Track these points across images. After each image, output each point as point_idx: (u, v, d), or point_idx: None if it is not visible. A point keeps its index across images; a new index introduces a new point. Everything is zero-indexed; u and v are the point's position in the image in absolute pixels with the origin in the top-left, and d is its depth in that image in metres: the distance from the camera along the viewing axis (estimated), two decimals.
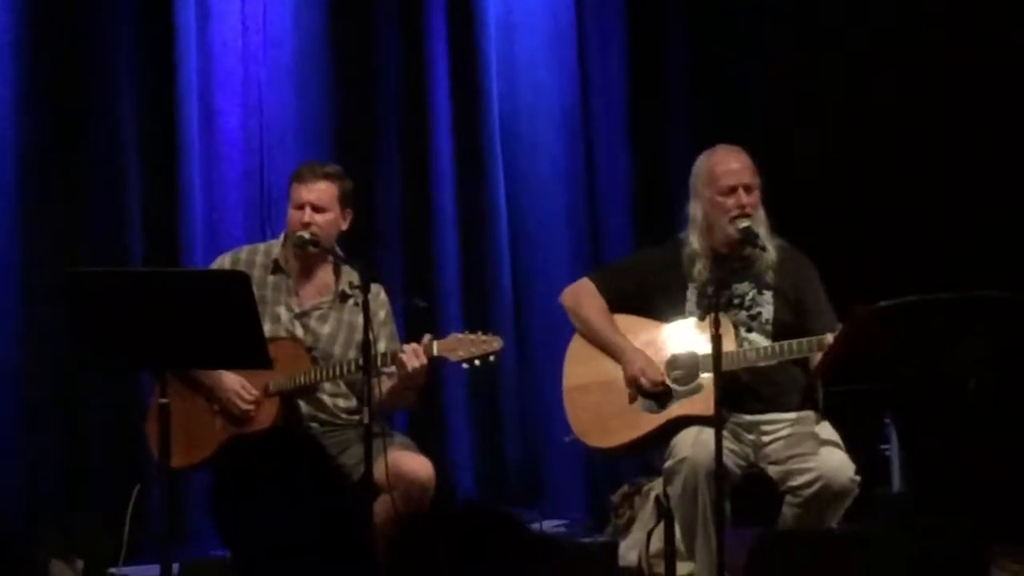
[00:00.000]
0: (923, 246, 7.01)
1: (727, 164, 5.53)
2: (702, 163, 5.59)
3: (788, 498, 5.39)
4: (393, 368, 5.45)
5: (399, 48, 7.12)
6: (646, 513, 6.31)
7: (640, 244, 6.83)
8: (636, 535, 6.35)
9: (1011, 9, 7.06)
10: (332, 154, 6.77)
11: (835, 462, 5.35)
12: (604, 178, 7.39)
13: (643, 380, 5.50)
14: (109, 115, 6.72)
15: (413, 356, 5.40)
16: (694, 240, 5.56)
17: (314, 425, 5.64)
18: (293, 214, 5.67)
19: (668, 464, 5.39)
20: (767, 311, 5.53)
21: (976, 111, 7.15)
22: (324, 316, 5.71)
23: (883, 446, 6.72)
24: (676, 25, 7.45)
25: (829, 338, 5.17)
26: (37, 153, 6.63)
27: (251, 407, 5.56)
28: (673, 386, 5.50)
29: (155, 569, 5.34)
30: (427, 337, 5.46)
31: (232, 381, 5.56)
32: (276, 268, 5.73)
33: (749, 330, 5.52)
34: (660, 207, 6.91)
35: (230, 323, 4.98)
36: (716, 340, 5.04)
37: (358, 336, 5.49)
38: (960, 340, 4.91)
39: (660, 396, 5.51)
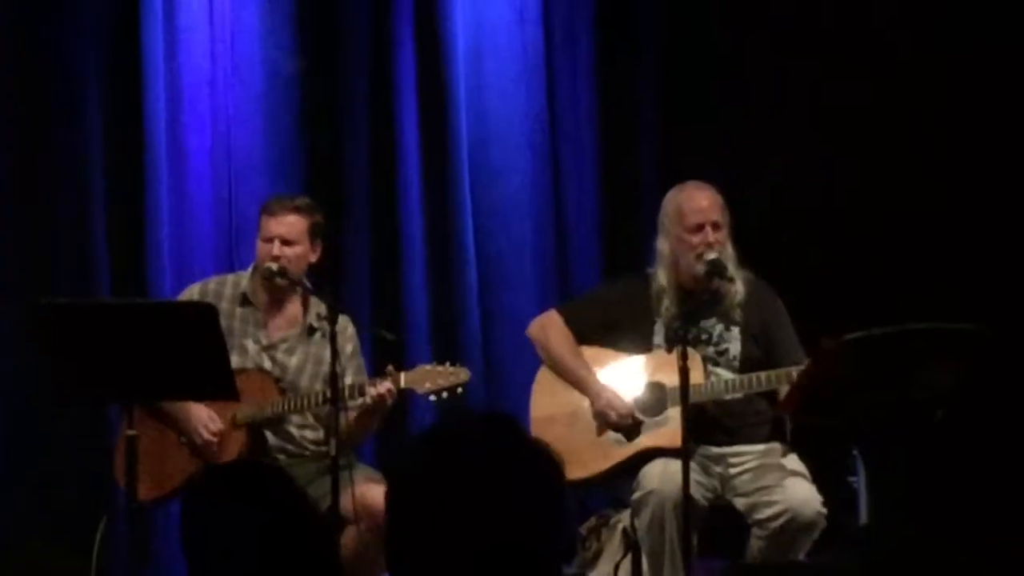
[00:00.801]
0: (900, 275, 6.96)
1: (695, 201, 5.52)
2: (671, 199, 5.58)
3: (755, 530, 5.38)
4: (360, 401, 5.44)
5: (367, 78, 7.09)
6: (613, 545, 6.27)
7: (609, 273, 6.82)
8: (603, 568, 6.31)
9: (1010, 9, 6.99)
10: (300, 183, 6.74)
11: (802, 494, 5.35)
12: (573, 206, 7.36)
13: (611, 413, 5.49)
14: (75, 142, 6.65)
15: (388, 396, 5.39)
16: (661, 276, 5.55)
17: (281, 457, 5.63)
18: (262, 247, 5.64)
19: (635, 496, 5.38)
20: (734, 347, 5.53)
21: (971, 116, 7.08)
22: (291, 348, 5.69)
23: (850, 478, 6.72)
24: (647, 53, 7.43)
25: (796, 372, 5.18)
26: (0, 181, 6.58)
27: (213, 438, 5.53)
28: (641, 417, 5.50)
29: None
30: (390, 368, 5.45)
31: (200, 412, 5.54)
32: (244, 300, 5.70)
33: (716, 365, 5.51)
34: (629, 236, 6.89)
35: (197, 355, 4.97)
36: (684, 373, 5.03)
37: (325, 368, 5.49)
38: (926, 371, 4.91)
39: (629, 429, 5.50)
